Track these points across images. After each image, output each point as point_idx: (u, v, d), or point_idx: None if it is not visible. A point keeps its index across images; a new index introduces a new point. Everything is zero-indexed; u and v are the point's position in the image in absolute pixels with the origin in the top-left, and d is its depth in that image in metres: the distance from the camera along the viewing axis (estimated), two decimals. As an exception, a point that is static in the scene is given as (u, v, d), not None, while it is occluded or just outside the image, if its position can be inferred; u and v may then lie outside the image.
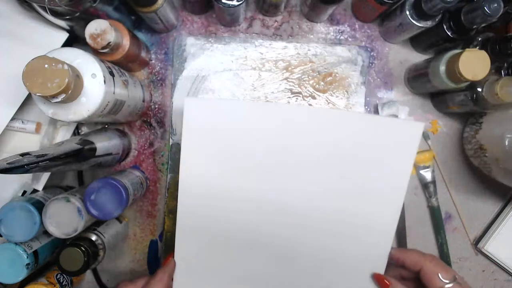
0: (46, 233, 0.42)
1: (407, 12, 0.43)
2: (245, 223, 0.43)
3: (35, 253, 0.40)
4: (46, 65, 0.29)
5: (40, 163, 0.30)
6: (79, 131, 0.48)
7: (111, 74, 0.36)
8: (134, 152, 0.50)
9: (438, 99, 0.50)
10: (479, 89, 0.42)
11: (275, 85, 0.50)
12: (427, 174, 0.50)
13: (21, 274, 0.39)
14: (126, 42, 0.40)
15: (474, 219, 0.53)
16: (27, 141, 0.44)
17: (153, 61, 0.49)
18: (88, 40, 0.36)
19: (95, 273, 0.50)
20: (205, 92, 0.49)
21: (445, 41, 0.45)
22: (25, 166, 0.29)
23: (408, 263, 0.42)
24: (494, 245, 0.51)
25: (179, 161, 0.41)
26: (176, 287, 0.42)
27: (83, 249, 0.39)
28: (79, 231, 0.38)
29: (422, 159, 0.50)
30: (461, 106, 0.46)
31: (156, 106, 0.50)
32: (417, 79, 0.48)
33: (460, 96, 0.45)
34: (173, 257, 0.42)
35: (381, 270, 0.43)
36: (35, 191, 0.44)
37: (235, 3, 0.42)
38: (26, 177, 0.43)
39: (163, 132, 0.50)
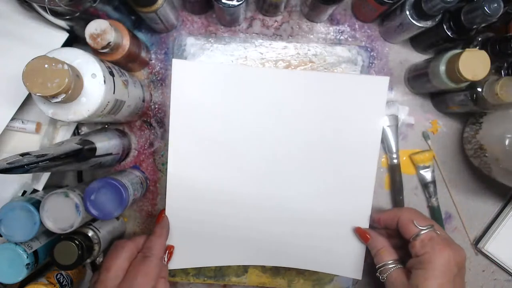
0: (46, 233, 0.42)
1: (407, 12, 0.43)
2: (233, 184, 0.46)
3: (35, 253, 0.40)
4: (46, 65, 0.29)
5: (40, 163, 0.30)
6: (79, 131, 0.48)
7: (111, 74, 0.36)
8: (134, 152, 0.50)
9: (438, 99, 0.50)
10: (479, 89, 0.42)
11: (275, 85, 0.50)
12: (427, 174, 0.50)
13: (21, 274, 0.39)
14: (126, 42, 0.40)
15: (474, 219, 0.53)
16: (27, 141, 0.44)
17: (153, 61, 0.49)
18: (88, 40, 0.36)
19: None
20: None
21: (445, 41, 0.45)
22: (25, 166, 0.29)
23: (387, 220, 0.43)
24: (494, 245, 0.51)
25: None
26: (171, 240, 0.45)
27: (77, 243, 0.39)
28: (75, 227, 0.38)
29: (422, 159, 0.50)
30: (461, 106, 0.46)
31: (156, 106, 0.50)
32: (417, 79, 0.48)
33: (460, 96, 0.45)
34: (165, 213, 0.45)
35: (365, 225, 0.45)
36: (35, 191, 0.44)
37: (235, 3, 0.42)
38: (26, 177, 0.43)
39: (163, 132, 0.50)
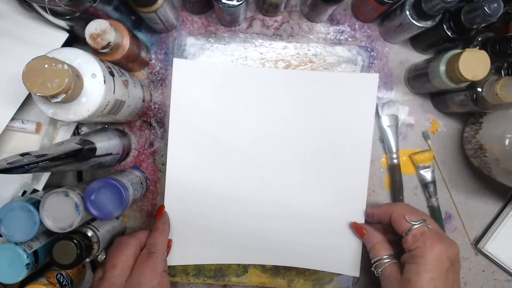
0: (46, 233, 0.42)
1: (407, 12, 0.43)
2: (232, 183, 0.47)
3: (35, 253, 0.40)
4: (46, 65, 0.29)
5: (40, 163, 0.30)
6: (79, 131, 0.48)
7: (111, 74, 0.36)
8: (134, 152, 0.50)
9: (438, 99, 0.50)
10: (479, 89, 0.42)
11: (275, 85, 0.50)
12: (427, 174, 0.50)
13: (21, 274, 0.39)
14: (126, 42, 0.40)
15: (474, 219, 0.53)
16: (27, 141, 0.44)
17: (153, 61, 0.49)
18: (88, 40, 0.36)
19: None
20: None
21: (445, 41, 0.45)
22: (25, 166, 0.29)
23: (380, 215, 0.43)
24: (494, 245, 0.51)
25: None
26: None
27: (76, 242, 0.39)
28: (74, 227, 0.38)
29: (422, 159, 0.50)
30: (461, 106, 0.46)
31: (156, 106, 0.50)
32: (417, 79, 0.48)
33: (460, 96, 0.45)
34: (164, 208, 0.46)
35: (360, 221, 0.47)
36: (35, 191, 0.44)
37: (235, 3, 0.42)
38: (26, 177, 0.43)
39: (163, 132, 0.50)
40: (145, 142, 0.50)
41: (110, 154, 0.42)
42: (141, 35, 0.49)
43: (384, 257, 0.41)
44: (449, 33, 0.43)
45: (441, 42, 0.45)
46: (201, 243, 0.47)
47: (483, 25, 0.41)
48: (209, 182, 0.47)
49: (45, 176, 0.44)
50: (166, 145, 0.48)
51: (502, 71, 0.45)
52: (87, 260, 0.41)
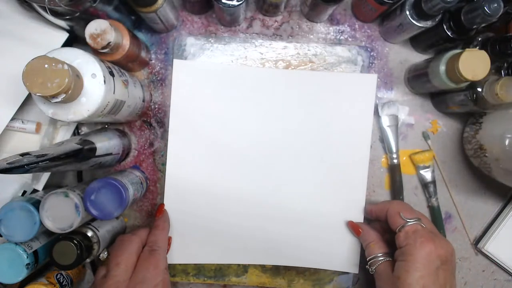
0: (46, 233, 0.42)
1: (407, 12, 0.43)
2: (231, 182, 0.47)
3: (35, 253, 0.40)
4: (46, 65, 0.29)
5: (40, 163, 0.30)
6: (79, 131, 0.48)
7: (111, 74, 0.36)
8: (134, 152, 0.50)
9: (438, 99, 0.50)
10: (479, 89, 0.42)
11: (275, 85, 0.50)
12: (427, 174, 0.50)
13: (21, 274, 0.39)
14: (126, 42, 0.40)
15: (474, 219, 0.53)
16: (27, 141, 0.44)
17: (153, 61, 0.49)
18: (88, 40, 0.36)
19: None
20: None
21: (445, 41, 0.45)
22: (25, 166, 0.29)
23: (377, 212, 0.44)
24: (494, 245, 0.51)
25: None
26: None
27: (76, 243, 0.39)
28: (74, 227, 0.38)
29: (422, 159, 0.50)
30: (461, 106, 0.46)
31: (156, 106, 0.50)
32: (417, 79, 0.48)
33: (460, 96, 0.45)
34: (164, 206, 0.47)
35: (359, 219, 0.47)
36: (35, 191, 0.44)
37: (235, 3, 0.42)
38: (26, 177, 0.43)
39: (163, 132, 0.49)
40: (145, 142, 0.50)
41: (110, 154, 0.42)
42: (141, 35, 0.49)
43: (379, 255, 0.41)
44: (449, 33, 0.43)
45: (441, 42, 0.45)
46: (201, 242, 0.47)
47: (483, 25, 0.41)
48: (208, 182, 0.47)
49: (45, 176, 0.44)
50: (166, 145, 0.48)
51: (502, 71, 0.45)
52: (87, 260, 0.41)
